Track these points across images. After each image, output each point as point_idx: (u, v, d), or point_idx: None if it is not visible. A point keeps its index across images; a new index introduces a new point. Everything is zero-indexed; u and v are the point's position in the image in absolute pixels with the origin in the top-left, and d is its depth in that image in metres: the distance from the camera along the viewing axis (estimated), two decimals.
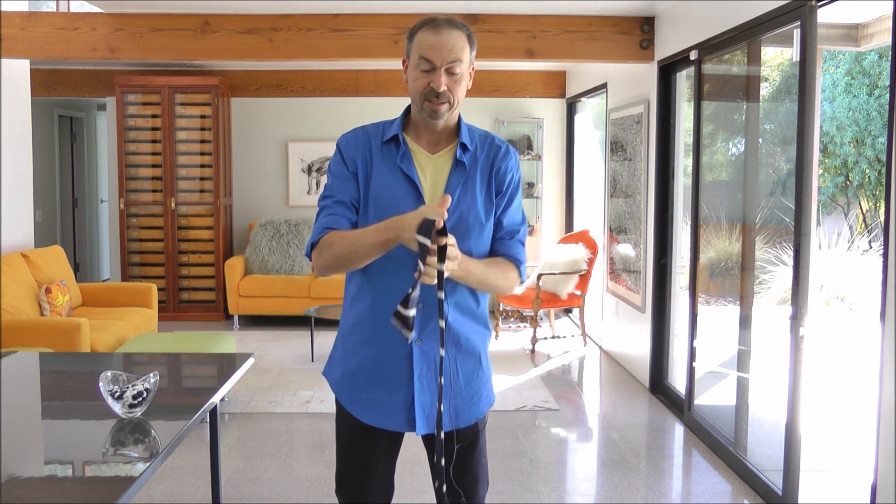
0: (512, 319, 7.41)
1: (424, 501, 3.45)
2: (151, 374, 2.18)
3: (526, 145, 7.86)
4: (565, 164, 7.99)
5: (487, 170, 1.94)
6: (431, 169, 1.92)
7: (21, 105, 5.67)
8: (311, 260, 1.90)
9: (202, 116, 7.34)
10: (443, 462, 1.82)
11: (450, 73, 1.83)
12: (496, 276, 1.91)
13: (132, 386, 2.13)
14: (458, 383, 1.96)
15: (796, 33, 3.35)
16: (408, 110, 1.96)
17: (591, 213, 7.32)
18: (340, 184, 1.91)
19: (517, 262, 1.96)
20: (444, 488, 1.83)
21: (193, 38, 5.26)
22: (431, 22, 1.85)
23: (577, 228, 7.65)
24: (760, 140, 4.41)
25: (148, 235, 7.39)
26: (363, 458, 2.01)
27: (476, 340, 1.99)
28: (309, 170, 7.92)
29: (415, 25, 1.88)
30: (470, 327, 1.97)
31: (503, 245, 1.96)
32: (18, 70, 5.62)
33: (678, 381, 4.93)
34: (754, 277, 4.44)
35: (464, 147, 1.92)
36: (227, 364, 2.85)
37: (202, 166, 7.40)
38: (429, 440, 2.03)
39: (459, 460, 2.01)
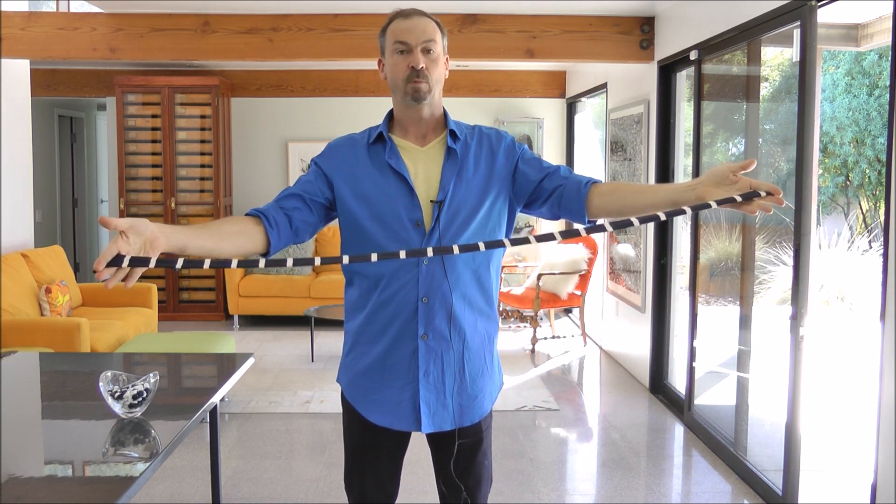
0: (512, 319, 7.41)
1: (425, 501, 3.45)
2: (151, 374, 2.18)
3: (526, 145, 7.86)
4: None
5: (484, 159, 1.92)
6: (423, 161, 1.90)
7: (21, 105, 5.66)
8: None
9: (202, 116, 7.34)
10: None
11: (425, 52, 1.84)
12: (636, 190, 1.81)
13: (132, 386, 2.13)
14: (464, 381, 1.93)
15: (796, 33, 3.35)
16: (390, 113, 1.96)
17: None
18: (304, 179, 1.91)
19: (594, 180, 1.86)
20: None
21: (193, 38, 5.26)
22: (401, 12, 1.89)
23: None
24: (760, 140, 4.41)
25: None
26: (369, 459, 2.01)
27: (483, 336, 1.96)
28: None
29: (385, 22, 1.92)
30: (476, 322, 1.94)
31: (575, 178, 1.86)
32: (18, 70, 5.62)
33: (678, 381, 4.93)
34: (754, 277, 4.44)
35: (453, 135, 1.91)
36: (227, 364, 2.85)
37: (202, 166, 7.40)
38: (433, 439, 2.02)
39: (463, 460, 2.00)
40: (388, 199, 1.85)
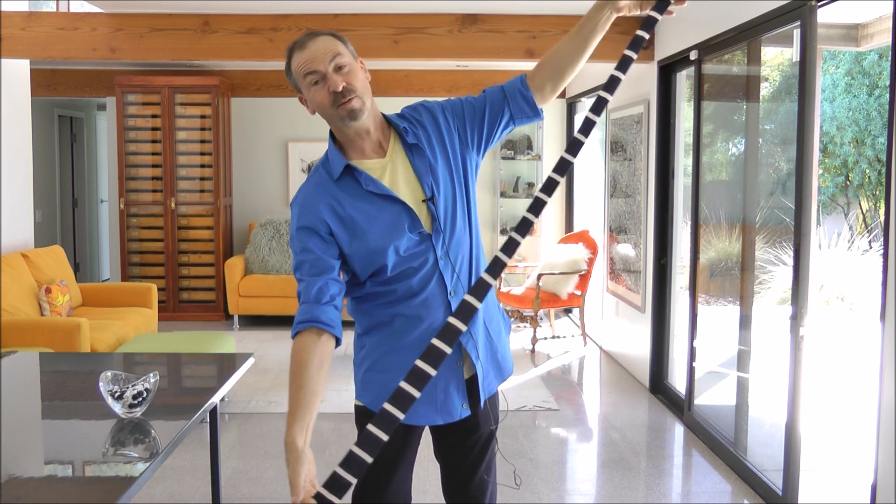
0: (512, 319, 7.41)
1: (425, 501, 3.45)
2: (151, 374, 2.18)
3: (526, 145, 7.86)
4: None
5: (434, 136, 1.90)
6: (394, 170, 1.86)
7: (21, 105, 5.67)
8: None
9: (202, 116, 7.34)
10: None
11: (338, 69, 1.78)
12: (558, 44, 1.90)
13: (132, 386, 2.14)
14: (492, 342, 1.98)
15: (796, 33, 3.35)
16: (336, 142, 1.89)
17: (591, 213, 7.32)
18: (314, 258, 1.80)
19: (524, 75, 1.93)
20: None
21: (193, 38, 5.26)
22: (295, 45, 1.82)
23: (577, 228, 7.65)
24: (760, 140, 4.41)
25: (148, 235, 7.39)
26: (394, 465, 1.97)
27: (492, 301, 2.02)
28: (309, 170, 7.92)
29: (286, 62, 1.84)
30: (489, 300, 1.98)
31: (510, 86, 1.92)
32: (18, 70, 5.62)
33: (678, 381, 4.93)
34: (754, 277, 4.44)
35: (405, 130, 1.87)
36: (227, 364, 2.85)
37: (202, 166, 7.40)
38: (448, 433, 2.01)
39: (480, 451, 2.01)
40: (387, 224, 1.81)
